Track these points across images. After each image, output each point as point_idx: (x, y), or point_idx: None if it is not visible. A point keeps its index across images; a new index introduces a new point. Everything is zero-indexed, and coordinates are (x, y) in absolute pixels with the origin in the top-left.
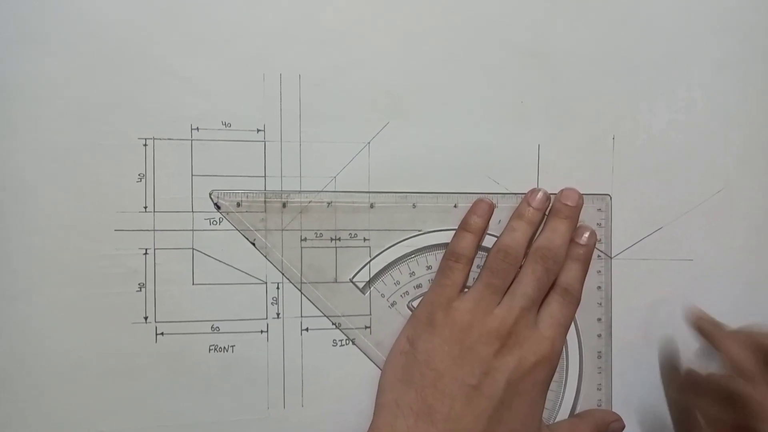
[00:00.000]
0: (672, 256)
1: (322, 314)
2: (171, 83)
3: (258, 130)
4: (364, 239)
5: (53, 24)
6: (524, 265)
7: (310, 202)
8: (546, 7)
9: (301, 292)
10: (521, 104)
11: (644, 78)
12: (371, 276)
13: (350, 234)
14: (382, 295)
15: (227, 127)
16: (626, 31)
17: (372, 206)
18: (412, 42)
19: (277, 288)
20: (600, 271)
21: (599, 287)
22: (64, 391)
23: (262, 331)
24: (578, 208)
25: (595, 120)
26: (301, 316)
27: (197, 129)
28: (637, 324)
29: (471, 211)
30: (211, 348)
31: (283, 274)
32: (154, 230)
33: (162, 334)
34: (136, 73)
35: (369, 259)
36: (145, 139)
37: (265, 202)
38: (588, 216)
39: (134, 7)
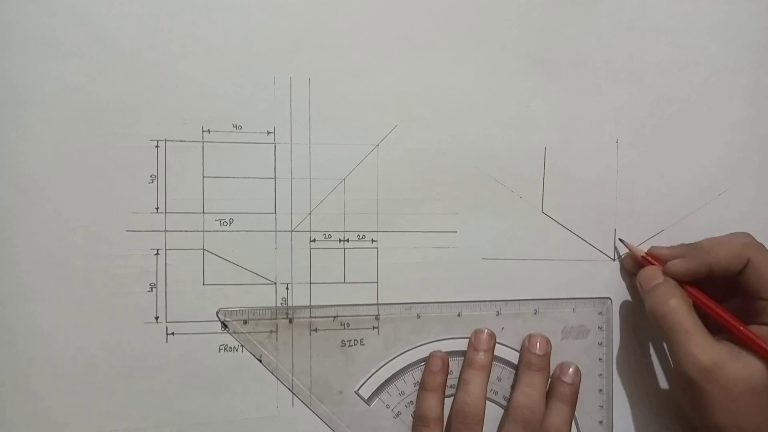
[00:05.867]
0: None
1: (329, 316)
2: (183, 86)
3: (268, 133)
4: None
5: (66, 27)
6: (506, 427)
7: (316, 318)
8: (553, 14)
9: (310, 408)
10: (528, 108)
11: (648, 83)
12: (376, 387)
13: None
14: (387, 406)
15: (238, 130)
16: (631, 37)
17: (377, 318)
18: (420, 46)
19: (287, 289)
20: (601, 375)
21: (600, 390)
22: (76, 390)
23: (271, 332)
24: (548, 355)
25: (599, 124)
26: (310, 317)
27: (208, 131)
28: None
29: (427, 369)
30: (221, 347)
31: (291, 391)
32: (165, 231)
33: (173, 333)
34: (148, 76)
35: (374, 370)
36: (157, 140)
37: (271, 319)
38: (589, 320)
39: (146, 11)
